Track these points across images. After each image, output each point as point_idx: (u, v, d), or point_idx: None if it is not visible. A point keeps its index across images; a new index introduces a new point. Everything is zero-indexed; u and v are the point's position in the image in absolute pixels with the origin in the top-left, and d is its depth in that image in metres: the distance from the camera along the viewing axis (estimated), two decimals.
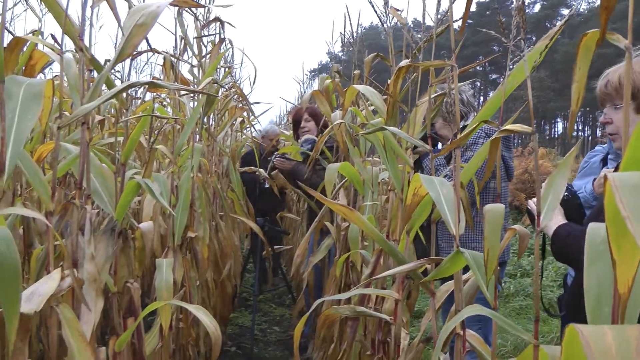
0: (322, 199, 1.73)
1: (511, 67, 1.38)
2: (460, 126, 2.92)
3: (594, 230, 1.01)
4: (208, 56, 3.72)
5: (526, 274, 7.57)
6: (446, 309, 2.16)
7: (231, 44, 5.07)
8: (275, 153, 4.98)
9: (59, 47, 1.87)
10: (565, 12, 59.62)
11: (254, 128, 6.49)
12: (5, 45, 1.58)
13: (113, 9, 1.79)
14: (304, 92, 7.34)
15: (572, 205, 2.07)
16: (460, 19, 1.71)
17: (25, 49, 1.94)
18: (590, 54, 1.15)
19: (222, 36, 3.98)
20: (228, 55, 5.20)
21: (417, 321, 5.08)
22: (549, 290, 6.72)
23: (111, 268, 2.06)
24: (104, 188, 2.06)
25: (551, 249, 1.97)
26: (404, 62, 1.97)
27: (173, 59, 3.10)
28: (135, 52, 1.91)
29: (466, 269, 1.52)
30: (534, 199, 2.10)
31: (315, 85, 8.24)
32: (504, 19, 1.35)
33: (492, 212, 1.29)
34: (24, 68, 1.99)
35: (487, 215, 1.29)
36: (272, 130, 6.51)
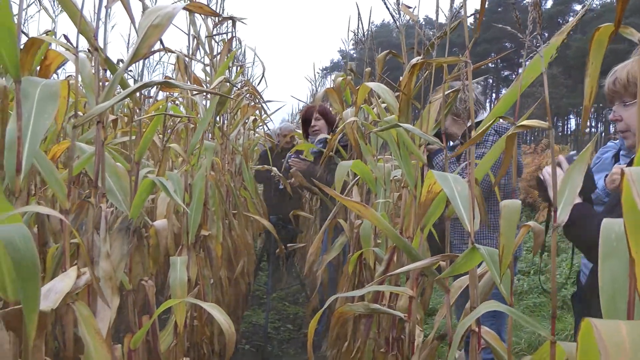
0: (336, 196, 1.74)
1: (526, 63, 1.38)
2: (469, 124, 2.92)
3: (608, 226, 1.01)
4: (219, 55, 3.73)
5: (540, 271, 7.53)
6: (459, 305, 2.16)
7: (240, 43, 5.09)
8: (289, 154, 4.99)
9: (73, 47, 1.89)
10: (578, 7, 59.18)
11: (267, 126, 6.51)
12: (21, 46, 1.60)
13: (127, 9, 1.80)
14: (316, 91, 7.34)
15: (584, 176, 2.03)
16: (472, 14, 1.71)
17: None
18: (603, 49, 1.14)
19: (234, 35, 3.99)
20: (240, 53, 5.22)
21: (430, 319, 5.07)
22: (563, 288, 6.69)
23: (126, 266, 2.07)
24: (119, 187, 2.07)
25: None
26: (418, 59, 1.97)
27: (186, 58, 3.11)
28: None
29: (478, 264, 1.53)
30: (547, 168, 2.08)
31: (327, 83, 8.24)
32: (519, 15, 1.35)
33: (508, 207, 1.29)
34: (38, 68, 2.00)
35: (503, 211, 1.28)
36: (285, 126, 6.52)
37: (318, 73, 7.84)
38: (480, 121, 1.73)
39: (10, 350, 1.31)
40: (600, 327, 0.69)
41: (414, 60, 1.96)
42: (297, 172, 4.68)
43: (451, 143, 3.43)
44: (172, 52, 2.76)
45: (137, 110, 2.61)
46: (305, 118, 4.91)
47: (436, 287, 2.36)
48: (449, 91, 2.06)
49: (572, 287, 6.52)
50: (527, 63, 1.41)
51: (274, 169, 5.15)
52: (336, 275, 4.10)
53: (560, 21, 58.41)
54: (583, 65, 1.12)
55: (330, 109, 4.96)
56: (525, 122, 1.28)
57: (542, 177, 2.09)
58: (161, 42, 2.50)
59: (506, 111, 1.62)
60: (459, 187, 1.51)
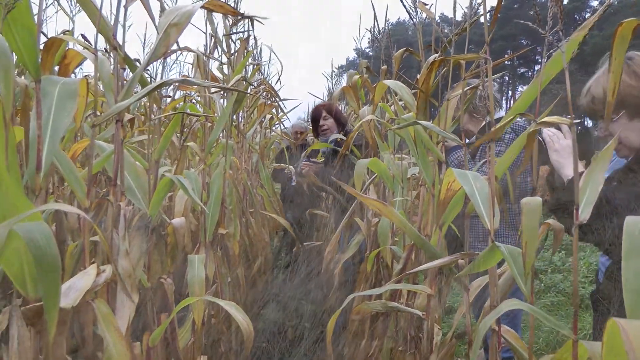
0: (355, 193, 1.73)
1: (546, 59, 1.37)
2: (485, 122, 2.90)
3: (632, 222, 1.00)
4: (236, 54, 3.74)
5: (557, 270, 7.48)
6: (474, 303, 2.15)
7: (255, 41, 5.10)
8: (302, 155, 5.00)
9: (92, 47, 1.90)
10: (594, 3, 58.66)
11: (283, 125, 6.53)
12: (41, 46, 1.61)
13: (147, 8, 1.81)
14: (332, 89, 7.34)
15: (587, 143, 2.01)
16: (489, 11, 1.70)
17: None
18: (626, 44, 1.13)
19: (251, 33, 4.00)
20: (256, 52, 5.23)
21: (446, 317, 5.05)
22: (580, 287, 6.64)
23: (144, 264, 2.08)
24: (137, 185, 2.08)
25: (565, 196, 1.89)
26: (436, 56, 1.96)
27: (204, 57, 3.12)
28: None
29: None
30: (547, 130, 2.05)
31: (343, 82, 8.23)
32: (533, 12, 1.33)
33: (529, 205, 1.28)
34: (57, 67, 2.02)
35: (524, 208, 1.27)
36: (297, 124, 6.55)
37: (334, 71, 7.83)
38: (497, 119, 1.72)
39: (31, 347, 1.32)
40: (627, 327, 0.68)
41: (432, 58, 1.95)
42: (310, 172, 4.68)
43: (467, 141, 3.42)
44: (192, 51, 2.77)
45: (156, 109, 2.62)
46: (314, 118, 4.91)
47: (452, 285, 2.35)
48: (467, 88, 2.05)
49: (591, 286, 6.47)
50: (548, 59, 1.40)
51: (290, 167, 5.16)
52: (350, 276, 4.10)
53: (577, 17, 57.93)
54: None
55: (346, 107, 4.96)
56: (546, 119, 1.27)
57: (541, 139, 2.06)
58: (177, 43, 2.50)
59: (526, 108, 1.61)
60: (479, 185, 1.50)
